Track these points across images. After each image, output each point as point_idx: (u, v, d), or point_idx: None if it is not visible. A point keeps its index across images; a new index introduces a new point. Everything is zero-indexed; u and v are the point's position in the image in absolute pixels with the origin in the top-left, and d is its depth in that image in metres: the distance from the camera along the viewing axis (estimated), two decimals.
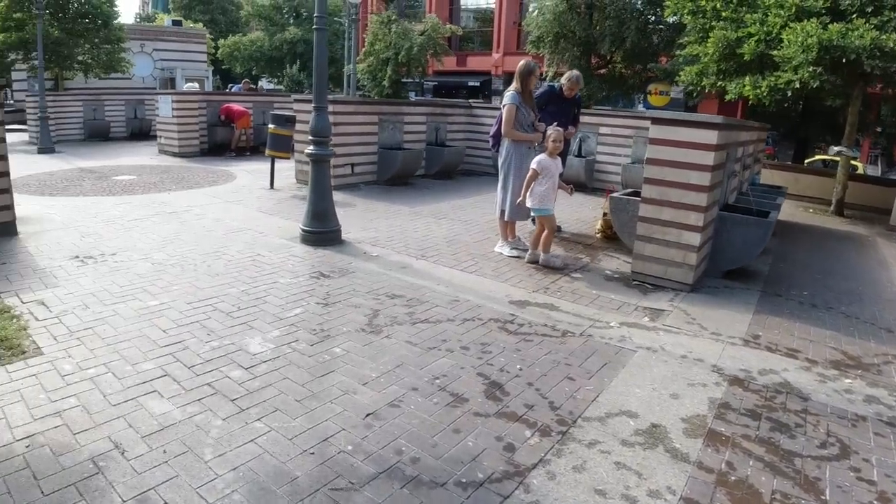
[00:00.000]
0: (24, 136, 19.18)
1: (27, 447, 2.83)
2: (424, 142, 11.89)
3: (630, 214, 6.34)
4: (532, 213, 6.19)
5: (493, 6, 36.39)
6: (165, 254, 5.98)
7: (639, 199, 6.00)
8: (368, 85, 30.49)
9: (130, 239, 6.54)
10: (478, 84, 36.65)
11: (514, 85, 6.40)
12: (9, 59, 24.70)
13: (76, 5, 24.97)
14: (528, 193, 5.98)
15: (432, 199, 9.59)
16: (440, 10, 35.97)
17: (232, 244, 6.37)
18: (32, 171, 11.89)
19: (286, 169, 10.82)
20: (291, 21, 42.47)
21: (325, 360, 3.79)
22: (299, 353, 3.87)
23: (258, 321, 4.34)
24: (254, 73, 41.48)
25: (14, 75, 27.75)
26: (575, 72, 7.49)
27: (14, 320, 4.29)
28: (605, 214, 7.54)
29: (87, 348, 3.85)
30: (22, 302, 4.69)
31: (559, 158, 6.10)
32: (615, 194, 6.70)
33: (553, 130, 6.01)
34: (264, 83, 45.03)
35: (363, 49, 30.45)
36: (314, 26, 6.38)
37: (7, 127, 16.25)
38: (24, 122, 20.42)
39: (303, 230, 6.50)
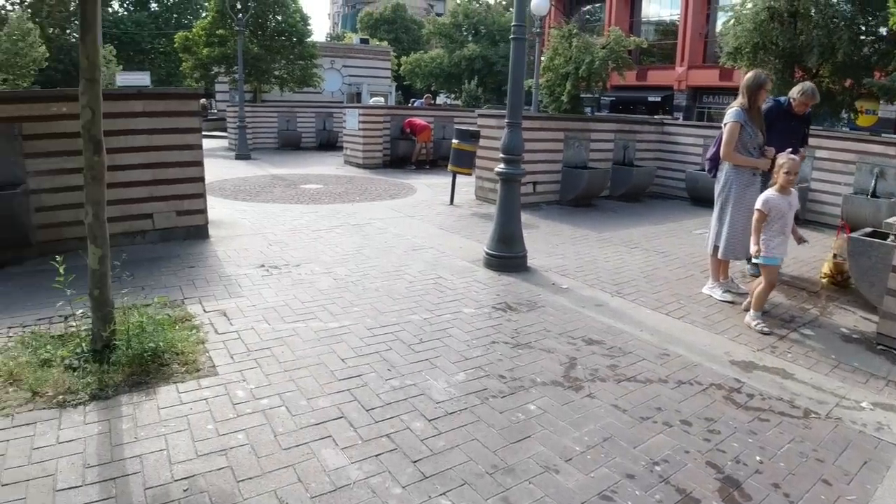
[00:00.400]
0: (224, 143, 20.80)
1: (185, 491, 2.53)
2: (611, 161, 11.06)
3: (874, 261, 5.17)
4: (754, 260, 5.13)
5: (678, 18, 34.41)
6: (347, 269, 5.77)
7: (892, 243, 4.86)
8: (546, 100, 29.98)
9: (314, 250, 6.45)
10: (658, 99, 34.77)
11: (740, 100, 5.47)
12: (213, 72, 27.27)
13: (273, 24, 27.05)
14: (758, 240, 4.85)
15: (620, 224, 8.78)
16: (620, 22, 34.64)
17: (413, 263, 6.05)
18: (229, 176, 12.62)
19: (465, 184, 10.49)
20: (470, 38, 43.20)
21: (518, 419, 3.22)
22: (489, 406, 3.32)
23: (442, 359, 3.87)
24: (432, 88, 42.66)
25: (217, 87, 30.58)
26: (808, 84, 6.36)
27: (194, 331, 4.18)
28: (834, 256, 6.34)
29: (263, 372, 3.59)
30: (204, 311, 4.62)
31: (794, 193, 4.99)
32: (854, 234, 5.53)
33: (787, 159, 4.86)
34: (442, 98, 46.15)
35: (541, 64, 30.01)
36: (511, 36, 5.92)
37: (209, 133, 17.55)
38: (224, 130, 22.20)
39: (487, 253, 6.02)
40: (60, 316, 4.39)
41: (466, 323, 4.50)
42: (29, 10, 37.61)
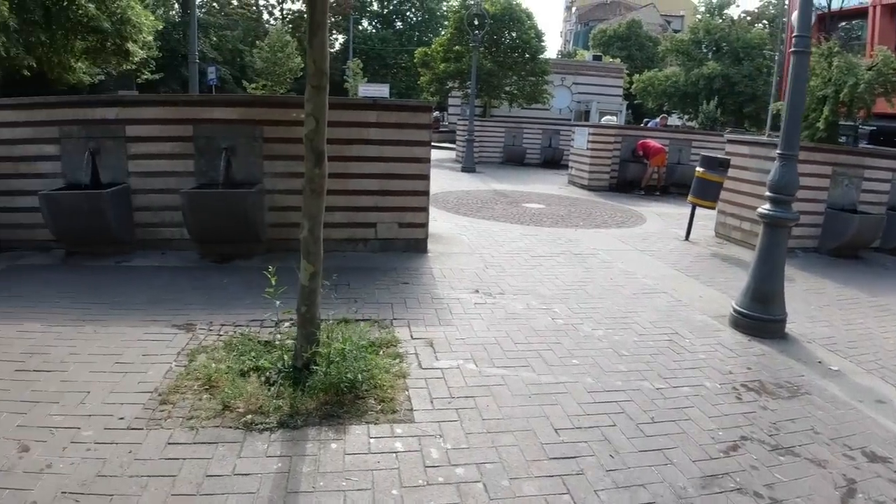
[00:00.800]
0: (452, 154, 21.23)
1: None
2: (885, 205, 9.13)
3: None
4: None
5: None
6: (567, 307, 5.12)
7: None
8: None
9: (532, 279, 5.92)
10: None
11: None
12: (448, 87, 28.35)
13: (508, 40, 27.34)
14: None
15: None
16: (885, 41, 29.54)
17: (643, 310, 5.21)
18: (452, 188, 12.64)
19: (703, 217, 9.23)
20: (710, 56, 40.23)
21: None
22: None
23: (678, 452, 3.05)
24: (665, 108, 40.39)
25: (450, 101, 31.82)
26: None
27: (397, 361, 3.85)
28: None
29: (463, 430, 3.09)
30: (411, 336, 4.30)
31: None
32: None
33: None
34: (674, 119, 43.65)
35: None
36: (793, 49, 4.89)
37: (439, 145, 18.04)
38: (453, 142, 22.77)
39: (735, 311, 4.99)
40: (272, 320, 4.34)
41: (710, 403, 3.61)
42: (290, 25, 42.23)
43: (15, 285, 5.30)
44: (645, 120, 33.28)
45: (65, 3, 16.44)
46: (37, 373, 3.62)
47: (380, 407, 3.28)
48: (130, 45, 19.14)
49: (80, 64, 19.58)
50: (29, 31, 15.98)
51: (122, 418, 3.11)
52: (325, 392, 3.30)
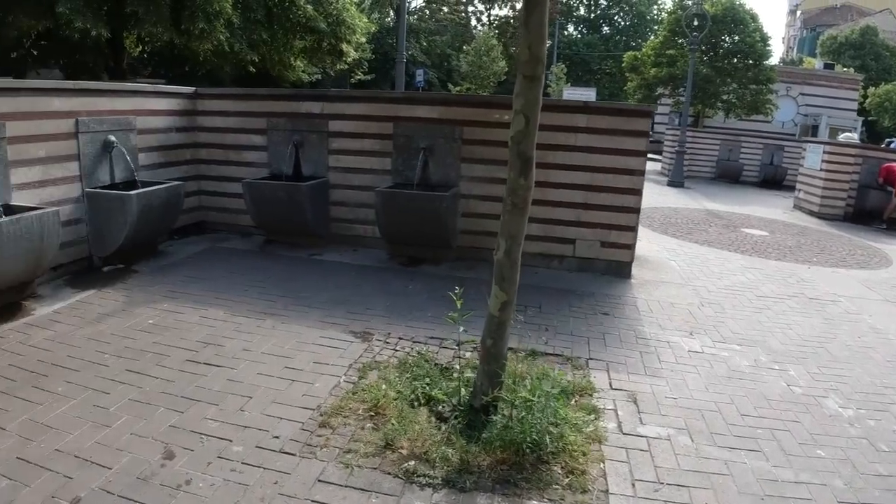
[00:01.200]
0: (657, 167, 19.78)
1: None
2: None
3: None
4: None
5: None
6: (806, 371, 4.08)
7: None
8: None
9: (759, 326, 4.90)
10: None
11: None
12: (657, 93, 26.67)
13: (728, 44, 25.01)
14: None
15: None
16: None
17: None
18: (658, 204, 11.60)
19: None
20: None
21: None
22: None
23: None
24: None
25: (658, 108, 29.90)
26: None
27: (591, 418, 3.19)
28: None
29: None
30: (611, 386, 3.62)
31: None
32: None
33: None
34: None
35: None
36: None
37: None
38: (659, 153, 21.20)
39: None
40: (453, 341, 3.92)
41: None
42: (496, 30, 42.77)
43: (212, 268, 5.47)
44: (887, 140, 28.98)
45: (286, 4, 17.55)
46: (206, 366, 3.53)
47: (567, 480, 2.66)
48: (344, 46, 20.07)
49: (298, 62, 20.89)
50: (252, 30, 17.22)
51: (276, 437, 2.84)
52: (503, 449, 2.75)
